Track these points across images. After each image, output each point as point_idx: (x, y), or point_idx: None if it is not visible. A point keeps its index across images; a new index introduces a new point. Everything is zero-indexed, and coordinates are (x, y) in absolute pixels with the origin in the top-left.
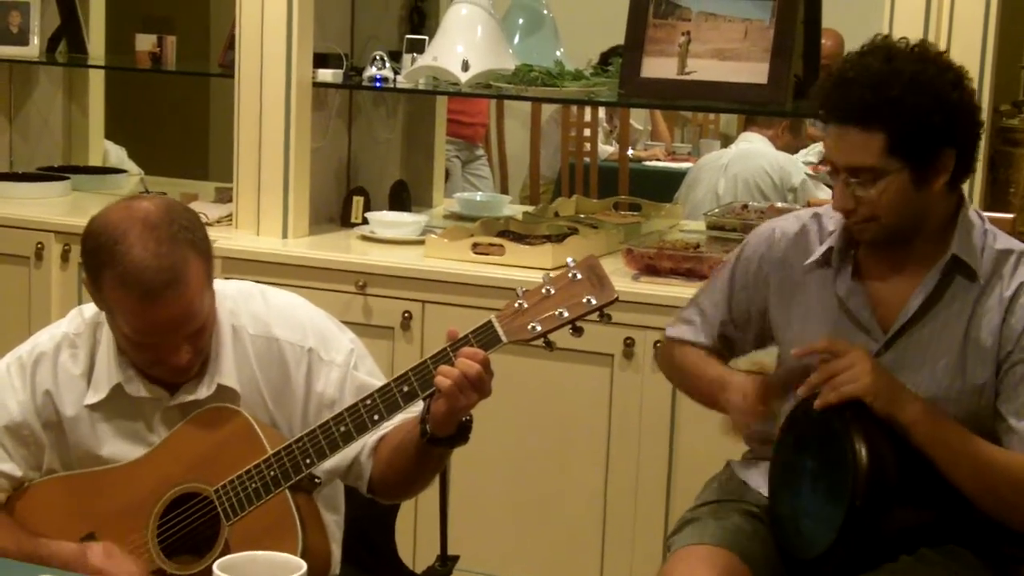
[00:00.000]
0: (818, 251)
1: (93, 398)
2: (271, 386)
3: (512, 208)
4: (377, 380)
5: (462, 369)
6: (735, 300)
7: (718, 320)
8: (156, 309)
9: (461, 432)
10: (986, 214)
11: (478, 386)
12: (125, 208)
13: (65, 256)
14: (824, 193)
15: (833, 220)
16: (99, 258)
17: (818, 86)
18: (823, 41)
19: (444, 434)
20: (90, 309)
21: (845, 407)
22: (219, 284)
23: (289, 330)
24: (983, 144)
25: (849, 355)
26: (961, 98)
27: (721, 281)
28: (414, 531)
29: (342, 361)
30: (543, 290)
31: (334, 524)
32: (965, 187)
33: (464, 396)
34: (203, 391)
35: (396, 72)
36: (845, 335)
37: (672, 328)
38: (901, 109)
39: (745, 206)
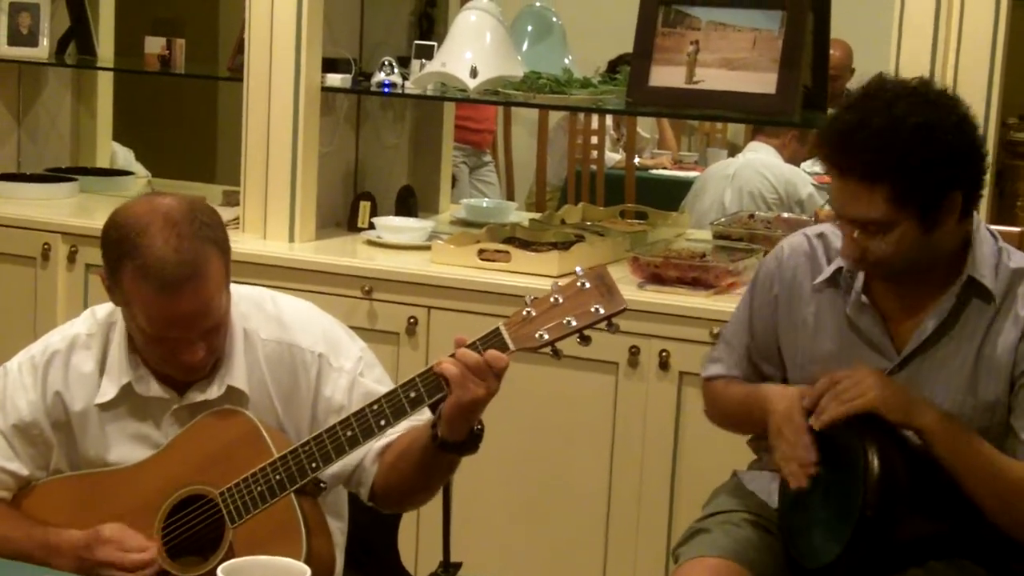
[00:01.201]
0: (827, 271)
1: (103, 397)
2: (280, 390)
3: (518, 215)
4: (384, 388)
5: (460, 357)
6: (755, 325)
7: (743, 348)
8: (174, 303)
9: (472, 440)
10: (996, 228)
11: (478, 374)
12: (148, 203)
13: (72, 257)
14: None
15: (839, 238)
16: (120, 249)
17: (819, 134)
18: (833, 52)
19: (455, 439)
20: (103, 310)
21: (856, 418)
22: (232, 288)
23: (300, 335)
24: (990, 157)
25: (854, 374)
26: (966, 142)
27: (741, 309)
28: (416, 537)
29: (350, 368)
30: (551, 298)
31: (338, 531)
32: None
33: (470, 384)
34: (213, 391)
35: (404, 78)
36: (855, 355)
37: (704, 370)
38: (905, 164)
39: (751, 216)
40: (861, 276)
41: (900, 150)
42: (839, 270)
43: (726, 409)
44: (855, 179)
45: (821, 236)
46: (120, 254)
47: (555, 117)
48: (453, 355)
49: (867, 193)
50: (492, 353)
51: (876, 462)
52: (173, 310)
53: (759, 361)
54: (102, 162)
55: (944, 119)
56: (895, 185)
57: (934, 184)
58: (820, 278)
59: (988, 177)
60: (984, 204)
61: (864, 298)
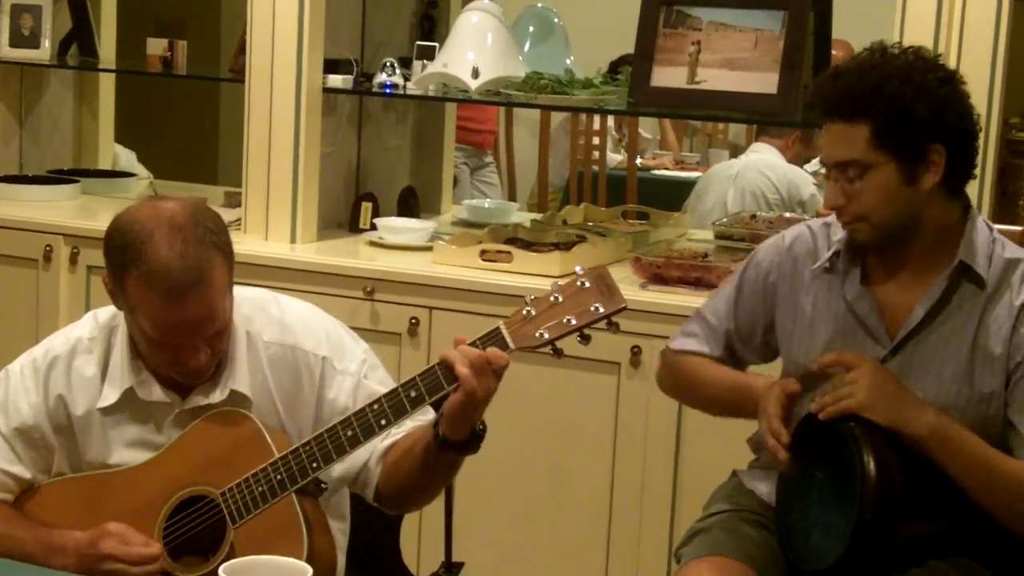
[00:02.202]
0: (825, 256)
1: (106, 401)
2: (283, 393)
3: (520, 215)
4: (387, 389)
5: (462, 352)
6: (741, 308)
7: (723, 329)
8: (179, 309)
9: (474, 440)
10: (997, 226)
11: (478, 368)
12: (151, 208)
13: (73, 259)
14: None
15: (841, 228)
16: (125, 256)
17: (815, 84)
18: (835, 52)
19: (456, 438)
20: (105, 313)
21: (853, 418)
22: (235, 290)
23: (303, 338)
24: (991, 155)
25: (856, 369)
26: (950, 94)
27: (727, 291)
28: (418, 537)
29: (354, 370)
30: (551, 297)
31: (339, 532)
32: (973, 198)
33: (483, 379)
34: (216, 396)
35: (406, 78)
36: (852, 340)
37: (675, 341)
38: (881, 98)
39: (753, 216)
40: (858, 261)
41: (877, 84)
42: (836, 255)
43: (701, 388)
44: (839, 119)
45: (825, 225)
46: (124, 260)
47: (557, 118)
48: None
49: (849, 131)
50: (493, 350)
51: (872, 464)
52: (178, 316)
53: (738, 345)
54: (104, 164)
55: (931, 70)
56: (875, 121)
57: (911, 126)
58: (818, 264)
59: (990, 172)
60: (985, 203)
61: (861, 283)
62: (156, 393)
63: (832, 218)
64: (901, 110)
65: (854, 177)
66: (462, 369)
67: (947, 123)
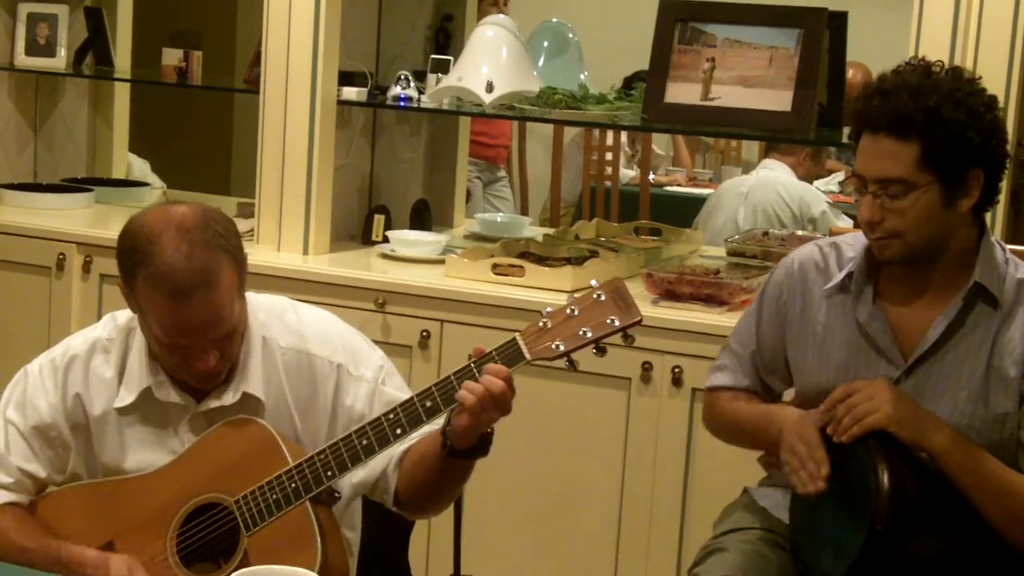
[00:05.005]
0: (837, 276)
1: (122, 401)
2: (298, 399)
3: (532, 230)
4: (406, 396)
5: (486, 385)
6: (762, 332)
7: (749, 355)
8: (185, 310)
9: (482, 444)
10: (1008, 247)
11: (501, 403)
12: (162, 212)
13: (86, 267)
14: (844, 222)
15: (852, 247)
16: (133, 258)
17: (854, 99)
18: (852, 73)
19: (465, 447)
20: (124, 315)
21: (868, 434)
22: (252, 296)
23: (319, 345)
24: (1006, 175)
25: (868, 387)
26: (993, 121)
27: (748, 317)
28: (427, 549)
29: (371, 377)
30: (567, 310)
31: (351, 541)
32: (987, 218)
33: (486, 413)
34: (229, 398)
35: (420, 92)
36: (864, 361)
37: (708, 379)
38: (938, 120)
39: (766, 233)
40: (871, 281)
41: (935, 107)
42: (849, 275)
43: (732, 424)
44: (886, 134)
45: (833, 245)
46: (134, 262)
47: (570, 133)
48: (470, 365)
49: (897, 149)
50: (491, 371)
51: (886, 477)
52: (184, 317)
53: (764, 374)
54: (118, 173)
55: (977, 93)
56: (926, 143)
57: (962, 150)
58: (830, 284)
59: (1004, 193)
60: (999, 223)
61: (873, 304)
62: (172, 395)
63: (840, 238)
64: (954, 135)
65: (896, 194)
66: (467, 396)
67: (991, 149)
